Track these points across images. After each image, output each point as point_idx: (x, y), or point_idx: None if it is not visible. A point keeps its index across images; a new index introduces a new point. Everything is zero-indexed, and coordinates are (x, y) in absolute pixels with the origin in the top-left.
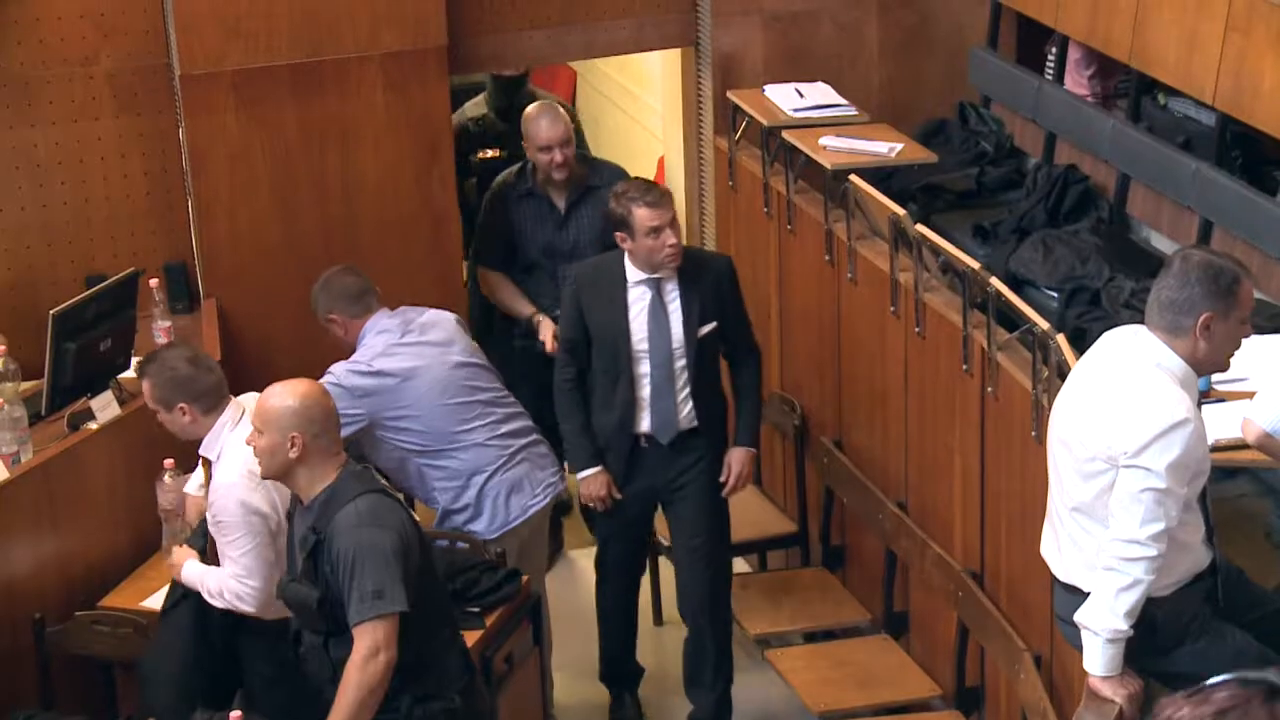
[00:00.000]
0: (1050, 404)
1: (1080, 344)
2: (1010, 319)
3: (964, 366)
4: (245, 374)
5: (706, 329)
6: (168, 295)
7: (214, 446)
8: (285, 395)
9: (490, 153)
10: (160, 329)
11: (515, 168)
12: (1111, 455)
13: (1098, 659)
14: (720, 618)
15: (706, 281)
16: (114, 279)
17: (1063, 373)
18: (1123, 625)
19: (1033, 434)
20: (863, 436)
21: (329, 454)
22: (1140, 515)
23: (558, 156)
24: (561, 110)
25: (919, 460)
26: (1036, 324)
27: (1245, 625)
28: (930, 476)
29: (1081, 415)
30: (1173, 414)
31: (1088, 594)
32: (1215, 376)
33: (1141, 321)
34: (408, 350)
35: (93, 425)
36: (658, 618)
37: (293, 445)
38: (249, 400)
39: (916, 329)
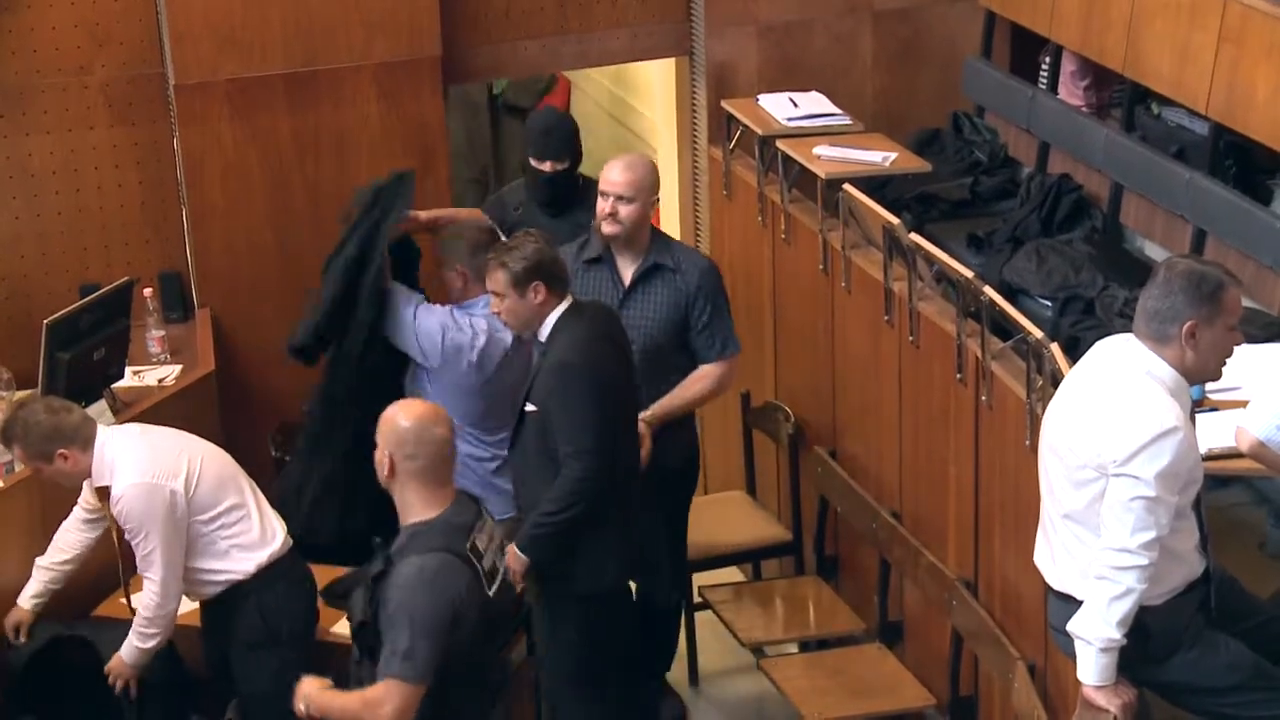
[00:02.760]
0: (1044, 413)
1: (1074, 353)
2: (1004, 328)
3: (958, 375)
4: (239, 383)
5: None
6: (162, 304)
7: (104, 472)
8: (397, 412)
9: None
10: (154, 338)
11: (578, 241)
12: (1101, 463)
13: (1091, 668)
14: None
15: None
16: (108, 288)
17: (1056, 382)
18: (1116, 634)
19: (1026, 443)
20: (857, 445)
21: (426, 487)
22: (1131, 524)
23: (606, 206)
24: (645, 163)
25: (913, 469)
26: (1030, 333)
27: (1239, 634)
28: (924, 485)
29: (1072, 423)
30: (1161, 422)
31: (1081, 602)
32: (1209, 385)
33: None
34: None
35: None
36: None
37: (385, 463)
38: (118, 427)
39: (910, 338)
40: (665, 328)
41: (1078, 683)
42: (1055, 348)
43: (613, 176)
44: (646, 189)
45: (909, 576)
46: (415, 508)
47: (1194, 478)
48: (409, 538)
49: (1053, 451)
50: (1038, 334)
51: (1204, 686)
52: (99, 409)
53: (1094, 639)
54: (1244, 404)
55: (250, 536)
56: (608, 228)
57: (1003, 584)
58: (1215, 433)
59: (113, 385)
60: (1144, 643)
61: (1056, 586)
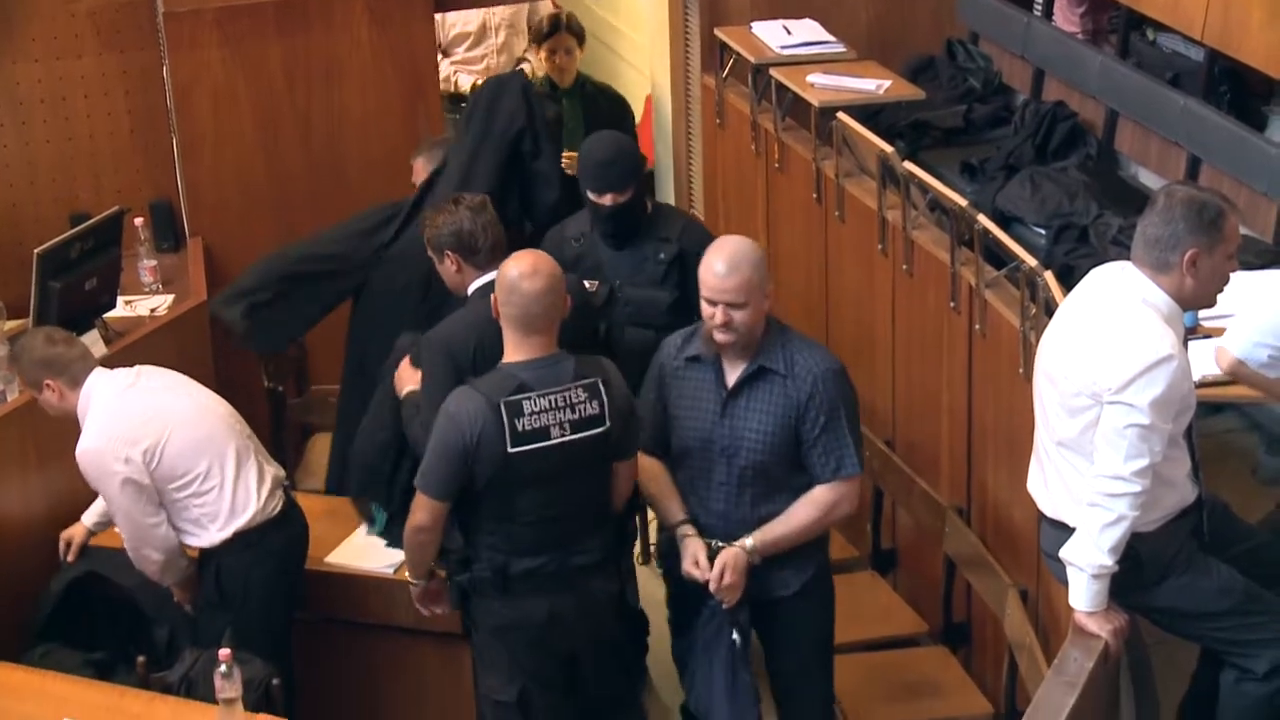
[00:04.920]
0: (1038, 341)
1: (1068, 281)
2: (998, 256)
3: (952, 304)
4: None
5: None
6: (153, 234)
7: (82, 419)
8: (510, 260)
9: (586, 285)
10: (146, 268)
11: (686, 331)
12: (1096, 391)
13: (1083, 594)
14: None
15: None
16: (98, 218)
17: (1050, 310)
18: (1108, 561)
19: (1020, 371)
20: (850, 373)
21: (514, 333)
22: (1125, 451)
23: (719, 316)
24: (749, 254)
25: (906, 398)
26: (1024, 261)
27: (1230, 560)
28: (918, 414)
29: (1067, 351)
30: (1157, 350)
31: (1074, 529)
32: (1201, 313)
33: (1129, 258)
34: None
35: None
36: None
37: (492, 303)
38: (111, 374)
39: (904, 267)
40: (768, 442)
41: (1070, 608)
42: (1049, 275)
43: (716, 282)
44: (758, 286)
45: (902, 504)
46: (507, 349)
47: (1187, 405)
48: (487, 374)
49: (1048, 379)
50: (1032, 262)
51: (1195, 611)
52: (91, 339)
53: (1086, 565)
54: None
55: (220, 507)
56: (720, 337)
57: (995, 511)
58: (1207, 360)
59: (105, 315)
60: (1136, 569)
61: (1049, 513)
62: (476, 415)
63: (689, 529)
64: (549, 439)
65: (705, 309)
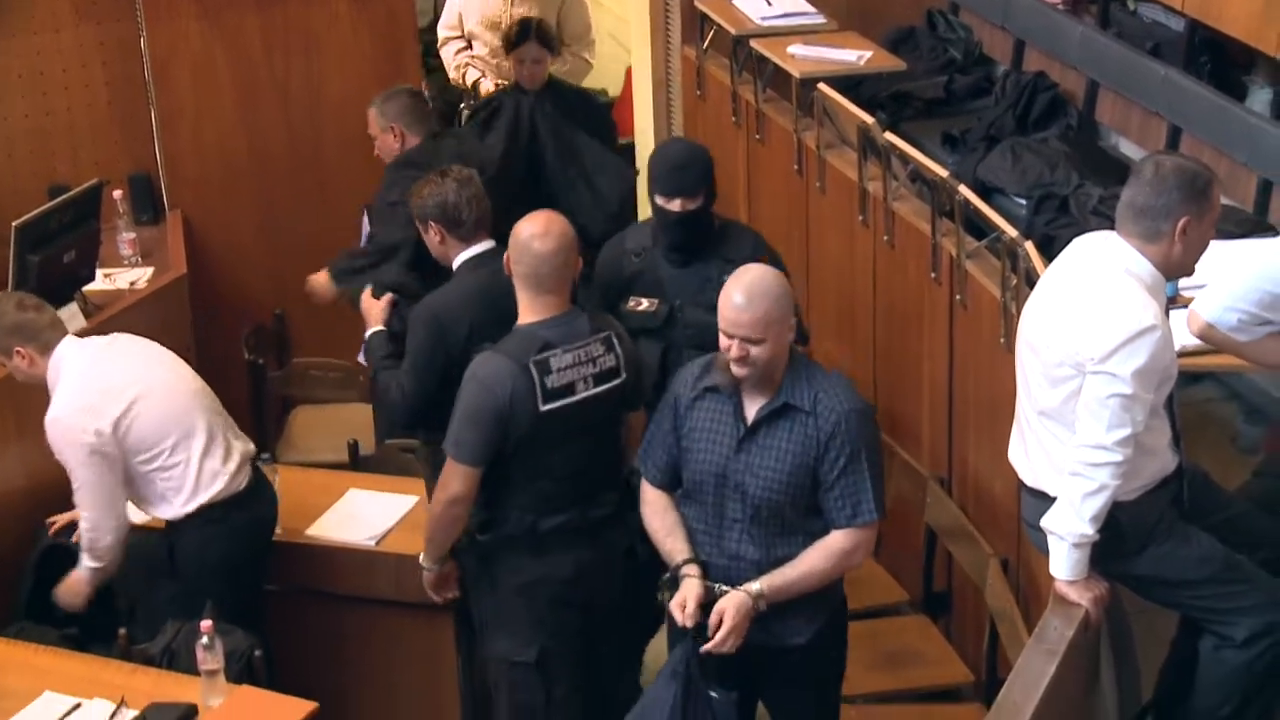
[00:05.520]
0: (1019, 311)
1: (1049, 251)
2: (979, 227)
3: (933, 274)
4: (209, 281)
5: None
6: (132, 206)
7: (52, 388)
8: (523, 221)
9: (644, 304)
10: (125, 240)
11: (703, 360)
12: (1079, 361)
13: (1064, 563)
14: None
15: None
16: (77, 190)
17: (1031, 280)
18: (1089, 530)
19: (1001, 341)
20: (831, 345)
21: (527, 293)
22: (1107, 421)
23: (736, 350)
24: (770, 287)
25: (887, 368)
26: (1005, 231)
27: (1210, 528)
28: (899, 384)
29: (1050, 320)
30: (1140, 320)
31: (1055, 499)
32: (1182, 283)
33: (1110, 227)
34: None
35: None
36: None
37: (506, 261)
38: (83, 342)
39: (885, 237)
40: (785, 481)
41: (1050, 577)
42: (1030, 246)
43: (734, 315)
44: (778, 320)
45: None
46: (522, 310)
47: (1169, 375)
48: (506, 337)
49: (1030, 348)
50: (1012, 232)
51: (1176, 579)
52: (70, 312)
53: (1067, 534)
54: None
55: (185, 482)
56: (736, 370)
57: (976, 481)
58: (1187, 330)
59: (83, 288)
60: (1116, 538)
61: (1030, 483)
62: (506, 377)
63: (692, 569)
64: (575, 394)
65: (722, 340)
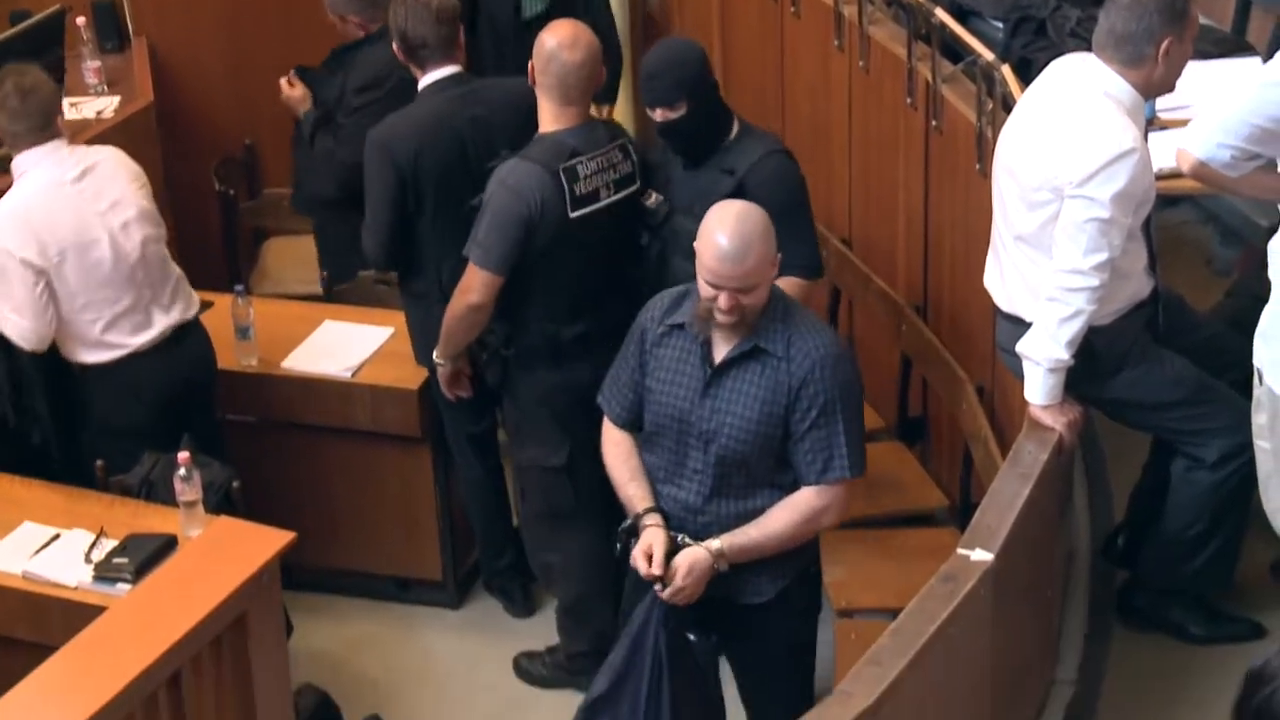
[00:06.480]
0: (995, 136)
1: (1026, 75)
2: (955, 51)
3: (908, 100)
4: (177, 110)
5: None
6: (96, 34)
7: (19, 174)
8: (546, 30)
9: (653, 198)
10: (90, 69)
11: (676, 292)
12: (1057, 185)
13: (1039, 388)
14: None
15: None
16: (39, 16)
17: (1008, 104)
18: (1064, 354)
19: (977, 167)
20: (806, 170)
21: (552, 103)
22: (1084, 245)
23: (725, 302)
24: (755, 232)
25: (863, 195)
26: (981, 55)
27: (1183, 350)
28: (874, 211)
29: (1028, 144)
30: (1119, 143)
31: (1030, 324)
32: (1159, 103)
33: (1087, 49)
34: None
35: None
36: None
37: (530, 71)
38: (59, 163)
39: (861, 63)
40: (751, 430)
41: (1025, 403)
42: (1006, 70)
43: (723, 268)
44: (769, 261)
45: (858, 302)
46: (545, 120)
47: (1147, 199)
48: (530, 145)
49: (1008, 173)
50: (989, 56)
51: (1149, 402)
52: None
53: (1042, 359)
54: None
55: (87, 339)
56: (723, 319)
57: (951, 307)
58: (1164, 153)
59: None
60: (1091, 361)
61: (1005, 308)
62: (536, 184)
63: (654, 518)
64: (599, 200)
65: (705, 290)
